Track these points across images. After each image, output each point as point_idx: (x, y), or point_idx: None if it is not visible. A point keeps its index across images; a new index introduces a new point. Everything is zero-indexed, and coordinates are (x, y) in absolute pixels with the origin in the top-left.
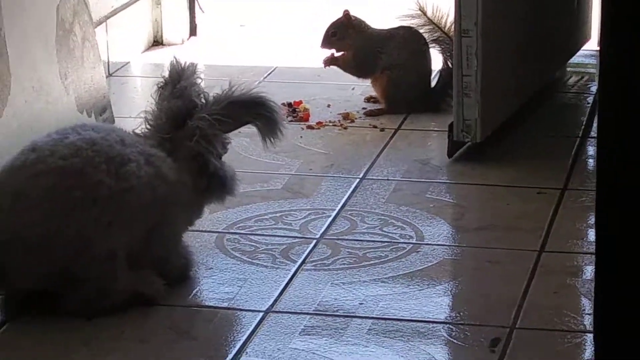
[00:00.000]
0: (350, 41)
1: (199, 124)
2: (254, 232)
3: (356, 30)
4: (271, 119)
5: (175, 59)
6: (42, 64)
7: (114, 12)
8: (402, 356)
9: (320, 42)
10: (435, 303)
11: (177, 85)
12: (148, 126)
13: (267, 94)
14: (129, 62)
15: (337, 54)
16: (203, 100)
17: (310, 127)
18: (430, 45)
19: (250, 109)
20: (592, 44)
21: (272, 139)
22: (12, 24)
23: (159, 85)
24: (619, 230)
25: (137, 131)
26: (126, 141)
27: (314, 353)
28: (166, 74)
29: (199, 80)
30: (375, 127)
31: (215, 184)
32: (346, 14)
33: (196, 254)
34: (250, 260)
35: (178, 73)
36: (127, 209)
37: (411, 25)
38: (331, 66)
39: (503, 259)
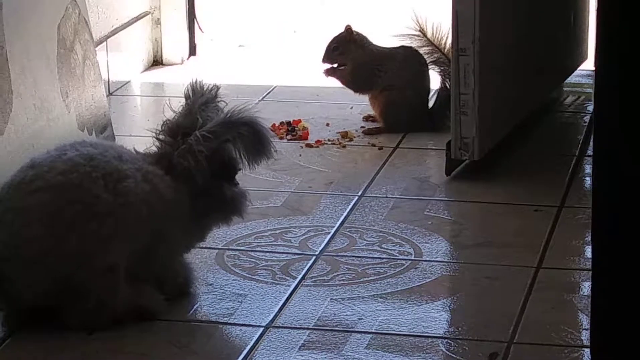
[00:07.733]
0: (350, 56)
1: (189, 140)
2: (253, 249)
3: (357, 46)
4: (252, 138)
5: (195, 80)
6: (43, 82)
7: (114, 32)
8: None
9: (321, 57)
10: (434, 318)
11: (187, 102)
12: (156, 144)
13: (259, 116)
14: (129, 82)
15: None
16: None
17: (309, 146)
18: (429, 66)
19: (232, 128)
20: (589, 64)
21: (254, 160)
22: (14, 41)
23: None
24: (615, 246)
25: (138, 149)
26: (124, 157)
27: None
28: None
29: (214, 102)
30: (373, 145)
31: (210, 203)
32: (348, 29)
33: (196, 270)
34: (250, 276)
35: (190, 92)
36: (124, 224)
37: (411, 46)
38: (331, 77)
39: (501, 275)
